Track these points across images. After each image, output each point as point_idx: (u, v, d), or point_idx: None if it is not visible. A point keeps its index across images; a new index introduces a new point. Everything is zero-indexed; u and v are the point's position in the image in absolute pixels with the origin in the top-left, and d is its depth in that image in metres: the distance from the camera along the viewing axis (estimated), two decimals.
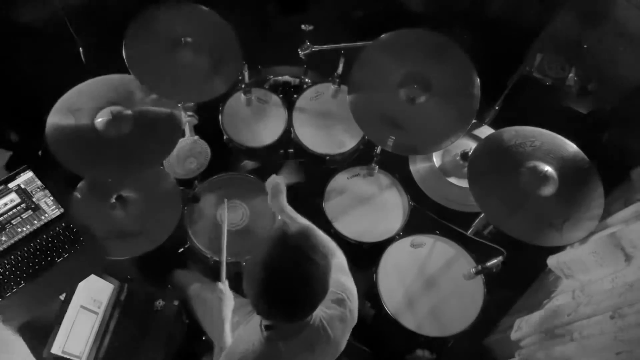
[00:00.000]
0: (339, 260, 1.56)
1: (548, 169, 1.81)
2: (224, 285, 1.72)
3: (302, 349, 1.34)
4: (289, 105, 2.38)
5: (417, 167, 2.26)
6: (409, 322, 1.97)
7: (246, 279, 1.20)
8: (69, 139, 1.86)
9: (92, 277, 1.89)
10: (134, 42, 1.92)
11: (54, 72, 2.27)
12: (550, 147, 1.87)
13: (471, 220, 2.12)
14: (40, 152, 2.35)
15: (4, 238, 1.83)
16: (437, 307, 2.01)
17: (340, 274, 1.51)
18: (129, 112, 1.92)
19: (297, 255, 1.16)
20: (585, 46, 2.28)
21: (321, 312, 1.36)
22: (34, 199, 1.88)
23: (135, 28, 1.96)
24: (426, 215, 2.22)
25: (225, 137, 2.34)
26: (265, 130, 2.32)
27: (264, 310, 1.23)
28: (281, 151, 2.51)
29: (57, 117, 1.88)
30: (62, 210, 1.93)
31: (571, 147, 1.88)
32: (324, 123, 2.36)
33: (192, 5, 2.09)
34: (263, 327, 1.33)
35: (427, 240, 2.14)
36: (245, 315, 1.75)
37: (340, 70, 2.25)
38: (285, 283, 1.17)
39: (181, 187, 2.10)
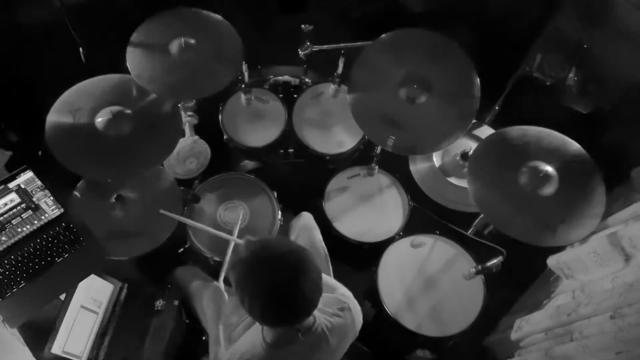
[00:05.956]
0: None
1: (548, 168, 1.81)
2: (219, 284, 1.72)
3: (302, 355, 1.34)
4: (289, 105, 2.38)
5: (417, 167, 2.26)
6: (409, 322, 1.97)
7: (243, 296, 1.21)
8: (69, 138, 1.86)
9: (92, 277, 1.89)
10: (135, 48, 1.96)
11: (54, 72, 2.27)
12: (554, 148, 1.87)
13: (471, 220, 2.12)
14: (40, 152, 2.35)
15: (4, 238, 1.83)
16: (437, 307, 2.01)
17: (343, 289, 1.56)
18: (129, 112, 1.92)
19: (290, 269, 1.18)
20: (585, 46, 2.28)
21: (324, 320, 1.37)
22: (34, 199, 1.88)
23: (137, 34, 2.00)
24: (426, 215, 2.22)
25: (225, 137, 2.34)
26: (265, 130, 2.32)
27: (262, 320, 1.26)
28: (281, 151, 2.51)
29: (57, 117, 1.88)
30: (62, 210, 1.93)
31: (574, 147, 1.88)
32: (324, 123, 2.36)
33: (192, 10, 2.11)
34: (264, 335, 1.33)
35: (427, 240, 2.14)
36: (242, 316, 1.75)
37: (340, 70, 2.25)
38: (281, 296, 1.19)
39: (181, 187, 2.10)
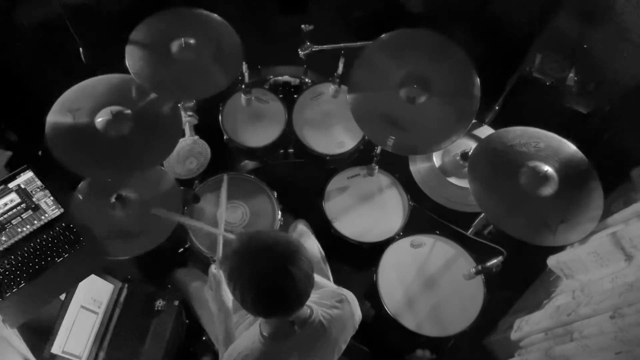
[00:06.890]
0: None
1: (548, 168, 1.81)
2: (217, 270, 1.70)
3: (301, 347, 1.34)
4: (289, 105, 2.38)
5: (417, 167, 2.26)
6: (409, 322, 1.97)
7: (235, 287, 1.22)
8: (69, 138, 1.86)
9: (92, 277, 1.89)
10: (135, 49, 1.95)
11: (54, 72, 2.27)
12: (554, 150, 1.87)
13: (471, 220, 2.12)
14: (40, 152, 2.35)
15: (4, 238, 1.83)
16: (437, 307, 2.01)
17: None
18: (129, 112, 1.92)
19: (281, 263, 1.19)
20: (585, 46, 2.28)
21: (321, 312, 1.37)
22: (34, 199, 1.88)
23: (137, 34, 1.99)
24: (426, 215, 2.22)
25: (225, 137, 2.34)
26: (265, 130, 2.32)
27: (254, 311, 1.27)
28: (281, 151, 2.51)
29: (56, 117, 1.88)
30: (62, 210, 1.93)
31: (574, 150, 1.88)
32: (324, 123, 2.36)
33: (192, 10, 2.11)
34: (261, 329, 1.33)
35: (427, 240, 2.14)
36: (244, 315, 1.75)
37: (340, 70, 2.25)
38: (273, 288, 1.20)
39: (181, 187, 2.10)
